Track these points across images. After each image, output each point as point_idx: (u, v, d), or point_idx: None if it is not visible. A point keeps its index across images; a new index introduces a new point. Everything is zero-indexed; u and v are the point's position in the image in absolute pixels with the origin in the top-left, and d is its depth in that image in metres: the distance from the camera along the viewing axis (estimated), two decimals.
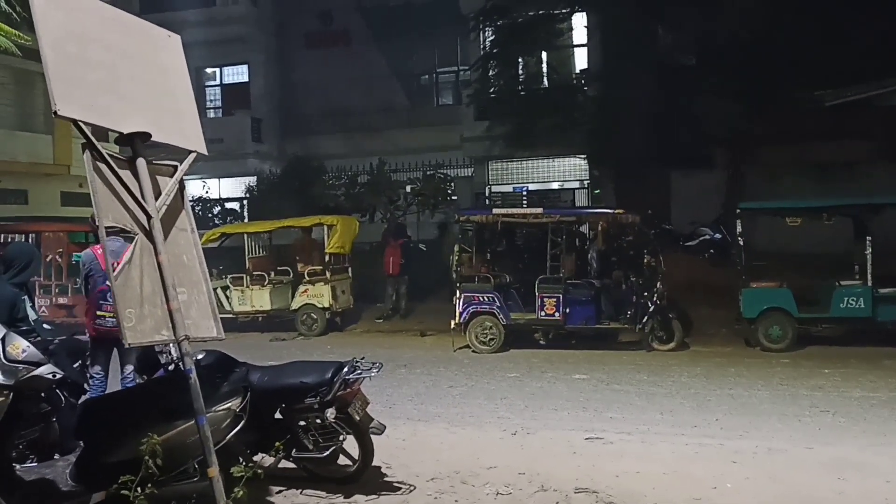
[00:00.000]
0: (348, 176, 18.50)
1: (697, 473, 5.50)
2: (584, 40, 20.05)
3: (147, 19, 4.89)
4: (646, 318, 11.15)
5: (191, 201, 4.98)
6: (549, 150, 19.43)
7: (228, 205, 22.37)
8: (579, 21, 19.66)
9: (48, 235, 13.69)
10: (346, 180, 18.46)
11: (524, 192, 20.77)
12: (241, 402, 4.59)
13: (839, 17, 14.20)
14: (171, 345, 4.37)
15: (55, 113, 3.78)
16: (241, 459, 4.78)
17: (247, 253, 15.03)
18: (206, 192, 22.24)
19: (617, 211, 11.98)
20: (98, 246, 6.10)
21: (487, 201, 19.63)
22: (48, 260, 13.24)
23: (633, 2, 15.86)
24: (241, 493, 3.99)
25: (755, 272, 11.40)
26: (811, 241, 12.35)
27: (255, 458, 5.08)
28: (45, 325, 5.99)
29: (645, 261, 11.43)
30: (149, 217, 4.09)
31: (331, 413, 5.08)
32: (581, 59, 20.59)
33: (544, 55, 20.13)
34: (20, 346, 4.22)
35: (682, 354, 11.00)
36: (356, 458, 5.30)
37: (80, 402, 5.13)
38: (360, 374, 5.20)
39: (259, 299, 14.22)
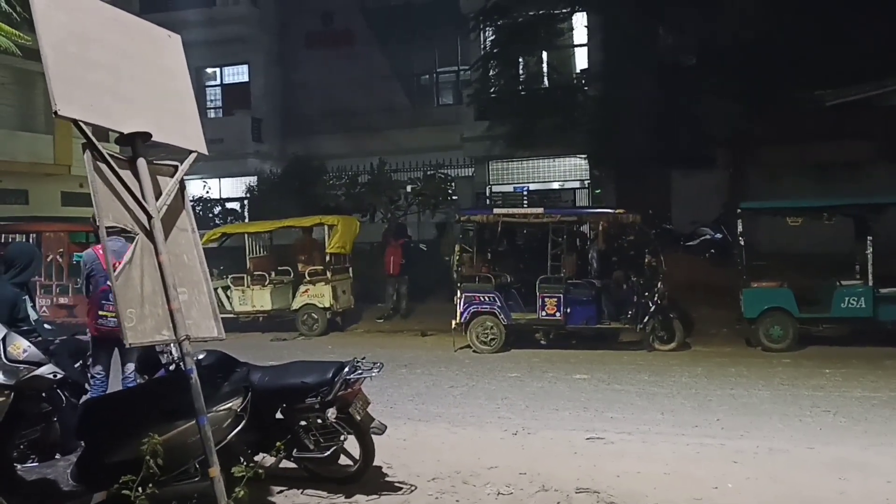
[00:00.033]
0: (349, 176, 18.50)
1: (698, 473, 5.50)
2: (585, 40, 20.06)
3: (147, 19, 4.89)
4: (647, 318, 11.14)
5: (191, 201, 4.98)
6: (549, 149, 19.43)
7: (229, 205, 22.38)
8: (579, 21, 19.66)
9: (49, 235, 13.70)
10: (346, 180, 18.47)
11: (525, 192, 20.79)
12: (241, 402, 4.59)
13: (839, 17, 14.20)
14: (171, 345, 4.37)
15: (56, 113, 3.79)
16: (242, 459, 4.79)
17: (247, 253, 15.04)
18: (207, 192, 22.26)
19: (618, 211, 11.97)
20: (100, 246, 6.10)
21: (488, 201, 19.66)
22: (49, 260, 13.26)
23: (634, 2, 15.86)
24: (242, 492, 3.99)
25: (756, 272, 11.39)
26: (812, 241, 12.34)
27: (256, 458, 5.08)
28: (45, 325, 6.00)
29: (646, 261, 11.42)
30: (149, 217, 4.09)
31: (332, 413, 5.08)
32: (581, 59, 20.59)
33: (545, 55, 20.14)
34: (21, 346, 4.22)
35: (682, 354, 10.99)
36: (357, 458, 5.30)
37: (80, 401, 5.13)
38: (361, 374, 5.20)
39: (260, 299, 14.23)
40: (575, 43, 20.46)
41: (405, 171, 19.50)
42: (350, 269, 14.89)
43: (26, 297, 5.54)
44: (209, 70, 25.01)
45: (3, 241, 13.43)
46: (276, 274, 14.64)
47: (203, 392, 4.01)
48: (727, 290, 11.86)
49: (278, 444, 4.75)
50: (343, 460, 5.37)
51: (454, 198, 18.70)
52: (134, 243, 4.07)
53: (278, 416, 5.20)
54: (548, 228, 11.94)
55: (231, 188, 23.54)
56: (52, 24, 3.90)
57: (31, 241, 12.98)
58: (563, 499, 5.03)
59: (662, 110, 15.86)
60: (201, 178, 22.52)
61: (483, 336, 11.61)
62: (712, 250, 14.75)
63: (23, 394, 4.17)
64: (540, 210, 12.75)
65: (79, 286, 8.85)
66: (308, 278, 14.07)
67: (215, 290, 9.44)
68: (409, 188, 18.17)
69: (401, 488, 5.24)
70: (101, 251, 6.14)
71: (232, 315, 13.80)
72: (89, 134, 3.93)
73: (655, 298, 11.09)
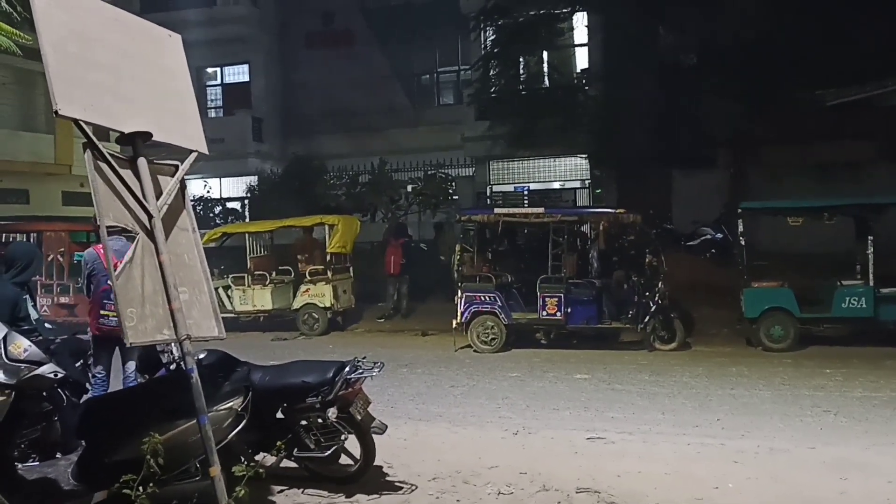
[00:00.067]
0: (349, 175, 18.52)
1: (699, 473, 5.49)
2: (585, 40, 20.05)
3: (148, 19, 4.88)
4: (647, 317, 11.14)
5: (192, 201, 4.99)
6: (550, 149, 19.43)
7: (230, 204, 22.41)
8: (580, 21, 19.66)
9: (50, 235, 13.71)
10: (347, 180, 18.49)
11: (525, 192, 20.77)
12: (242, 401, 4.58)
13: (840, 17, 14.19)
14: (172, 344, 4.37)
15: (56, 112, 3.79)
16: (243, 459, 4.78)
17: (248, 252, 15.04)
18: (208, 192, 22.27)
19: (618, 211, 11.97)
20: (101, 245, 6.09)
21: (489, 201, 19.64)
22: (50, 259, 13.27)
23: (634, 1, 15.86)
24: (242, 492, 3.99)
25: (757, 272, 11.39)
26: (813, 241, 12.34)
27: (257, 457, 5.09)
28: (46, 325, 6.00)
29: (646, 260, 11.42)
30: (150, 216, 4.09)
31: (332, 413, 5.08)
32: (582, 59, 20.58)
33: (545, 55, 20.14)
34: (22, 346, 4.22)
35: (683, 354, 10.99)
36: (358, 457, 5.30)
37: (81, 401, 5.14)
38: (362, 373, 5.20)
39: (260, 299, 14.23)
40: (575, 43, 20.45)
41: (406, 170, 19.51)
42: (351, 269, 14.89)
43: (27, 296, 5.55)
44: (210, 70, 25.03)
45: (3, 240, 13.44)
46: (276, 273, 14.64)
47: (204, 391, 4.01)
48: (728, 289, 11.86)
49: (279, 443, 4.75)
50: (344, 460, 5.37)
51: (455, 197, 18.71)
52: (135, 243, 4.07)
53: (279, 415, 5.20)
54: (548, 228, 11.94)
55: (231, 188, 23.54)
56: (52, 23, 3.90)
57: (31, 240, 12.99)
58: (564, 499, 5.03)
59: (663, 110, 15.86)
60: (202, 178, 22.53)
61: (484, 336, 11.61)
62: (713, 250, 14.76)
63: (24, 393, 4.18)
64: (541, 210, 12.74)
65: (80, 286, 8.85)
66: (309, 278, 14.08)
67: (216, 289, 9.44)
68: (409, 188, 18.19)
69: (401, 488, 5.24)
70: (102, 250, 6.14)
71: (233, 314, 13.80)
72: (90, 133, 3.93)
73: (656, 298, 11.09)
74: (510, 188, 21.11)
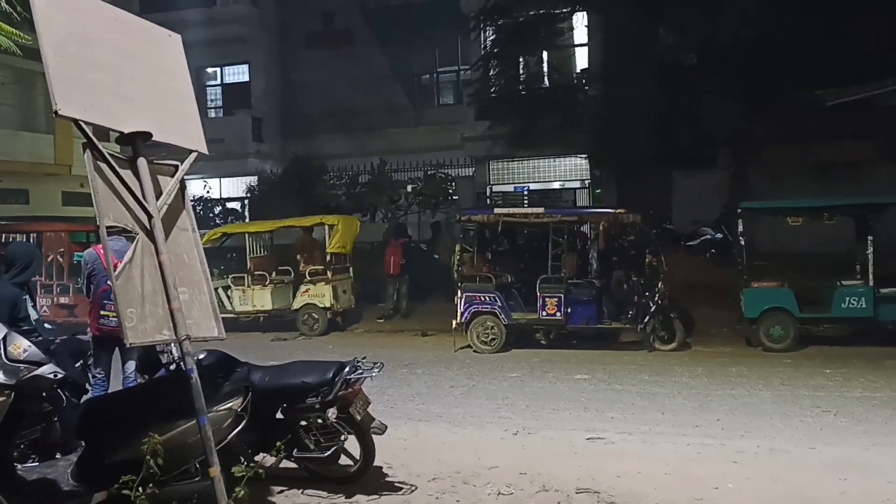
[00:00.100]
0: (349, 176, 18.51)
1: (699, 474, 5.49)
2: (585, 40, 20.05)
3: (148, 19, 4.89)
4: (647, 317, 11.13)
5: (192, 201, 4.99)
6: (550, 149, 19.43)
7: (229, 204, 22.40)
8: (580, 20, 19.66)
9: (49, 235, 13.71)
10: (347, 180, 18.48)
11: (525, 192, 20.77)
12: (242, 401, 4.58)
13: (840, 17, 14.19)
14: (172, 344, 4.37)
15: (56, 112, 3.79)
16: (243, 459, 4.79)
17: (248, 253, 15.04)
18: (207, 192, 22.26)
19: (618, 211, 11.96)
20: (101, 245, 6.09)
21: (489, 201, 19.64)
22: (49, 260, 13.27)
23: (634, 1, 15.85)
24: (242, 492, 3.99)
25: (757, 272, 11.39)
26: (813, 241, 12.34)
27: (257, 457, 5.08)
28: (46, 325, 6.00)
29: (646, 260, 11.42)
30: (150, 217, 4.09)
31: (332, 413, 5.08)
32: (582, 59, 20.58)
33: (545, 55, 20.13)
34: (21, 346, 4.22)
35: (683, 354, 10.99)
36: (357, 458, 5.30)
37: (81, 401, 5.13)
38: (362, 373, 5.20)
39: (260, 299, 14.22)
40: (575, 43, 20.45)
41: (406, 170, 19.50)
42: (350, 269, 14.88)
43: (27, 296, 5.55)
44: (209, 70, 25.03)
45: (3, 240, 13.44)
46: (276, 274, 14.63)
47: (203, 392, 4.00)
48: (728, 289, 11.86)
49: (278, 443, 4.75)
50: (343, 460, 5.37)
51: (455, 198, 18.70)
52: (134, 243, 4.07)
53: (279, 415, 5.20)
54: (548, 228, 11.94)
55: (231, 188, 23.54)
56: (52, 23, 3.90)
57: (31, 240, 12.99)
58: (564, 499, 5.02)
59: (663, 110, 15.86)
60: (202, 178, 22.51)
61: (483, 336, 11.61)
62: (713, 250, 14.76)
63: (23, 393, 4.17)
64: (540, 210, 12.73)
65: (79, 286, 8.85)
66: (308, 278, 14.07)
67: (216, 289, 9.45)
68: (409, 188, 18.18)
69: (401, 488, 5.23)
70: (102, 251, 6.14)
71: (232, 315, 13.79)
72: (90, 133, 3.93)
73: (656, 298, 11.09)
74: (510, 188, 21.11)
